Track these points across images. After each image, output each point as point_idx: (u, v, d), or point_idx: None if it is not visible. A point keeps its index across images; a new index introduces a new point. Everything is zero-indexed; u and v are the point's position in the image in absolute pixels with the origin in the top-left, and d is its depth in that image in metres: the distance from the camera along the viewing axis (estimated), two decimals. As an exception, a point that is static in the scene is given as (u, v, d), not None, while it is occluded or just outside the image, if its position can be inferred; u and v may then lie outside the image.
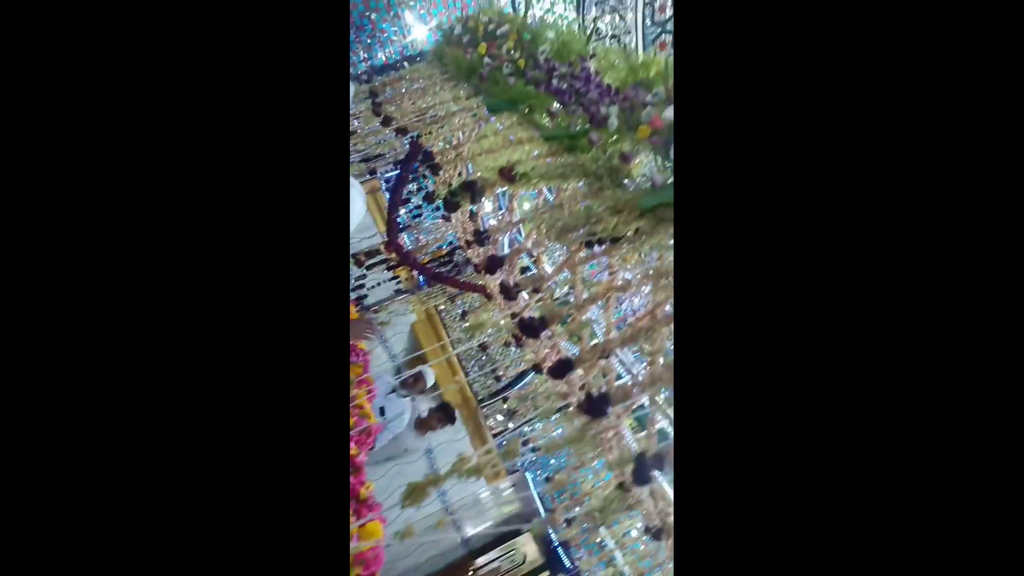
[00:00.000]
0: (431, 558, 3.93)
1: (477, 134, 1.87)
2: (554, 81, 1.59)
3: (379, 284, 3.47)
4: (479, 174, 1.61)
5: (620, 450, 0.80)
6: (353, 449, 1.78)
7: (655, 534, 0.92)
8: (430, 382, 3.51)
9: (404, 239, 3.18)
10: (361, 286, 3.42)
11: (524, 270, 2.51)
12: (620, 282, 1.03)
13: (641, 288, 0.94)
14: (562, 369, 0.83)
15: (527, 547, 4.26)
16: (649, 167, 1.29)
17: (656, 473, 0.74)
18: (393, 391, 3.32)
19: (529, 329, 0.91)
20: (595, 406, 0.74)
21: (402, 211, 3.15)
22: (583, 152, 1.49)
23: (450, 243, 3.25)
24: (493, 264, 1.46)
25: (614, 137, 1.45)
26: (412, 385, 3.43)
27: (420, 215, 3.48)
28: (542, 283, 1.19)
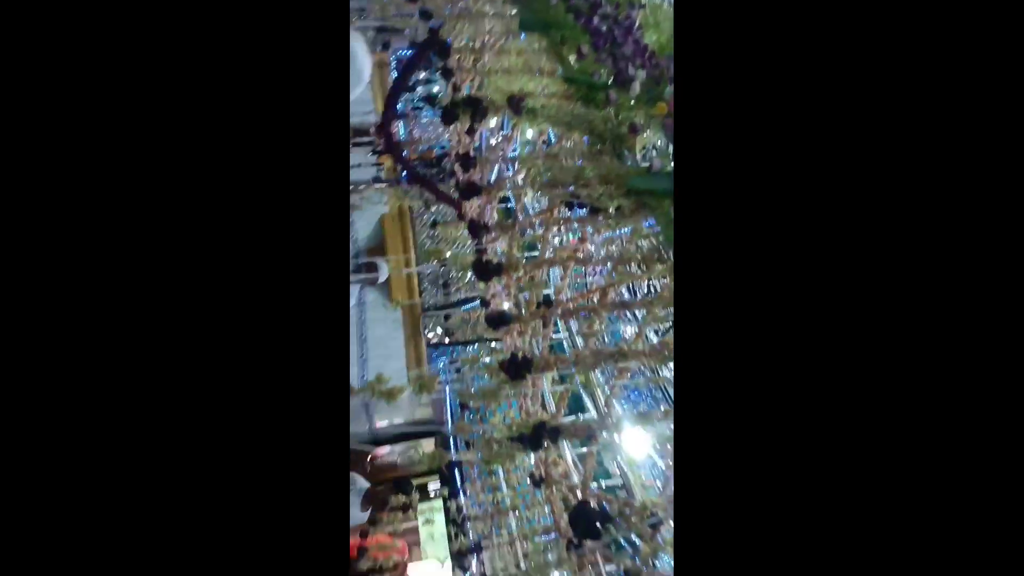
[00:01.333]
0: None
1: (501, 47, 1.76)
2: (595, 19, 1.49)
3: (359, 165, 3.34)
4: (488, 93, 1.53)
5: (527, 415, 0.83)
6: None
7: (536, 483, 0.99)
8: (383, 277, 3.51)
9: (398, 128, 3.04)
10: (340, 161, 3.30)
11: (503, 200, 2.46)
12: (582, 254, 1.03)
13: (601, 267, 0.95)
14: (498, 321, 0.84)
15: (427, 450, 4.53)
16: (653, 148, 1.26)
17: (552, 444, 0.79)
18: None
19: (483, 272, 0.91)
20: (516, 368, 0.76)
21: (403, 97, 2.98)
22: (596, 108, 1.43)
23: (443, 148, 3.13)
24: (470, 190, 1.42)
25: (632, 103, 1.39)
26: (365, 273, 3.42)
27: (421, 108, 3.30)
28: (512, 229, 1.18)
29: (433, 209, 3.92)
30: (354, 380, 4.00)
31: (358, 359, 4.04)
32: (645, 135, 1.32)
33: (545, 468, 1.04)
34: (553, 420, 0.74)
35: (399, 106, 2.88)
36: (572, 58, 1.57)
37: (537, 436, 0.74)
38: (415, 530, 3.95)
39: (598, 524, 0.67)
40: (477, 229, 1.29)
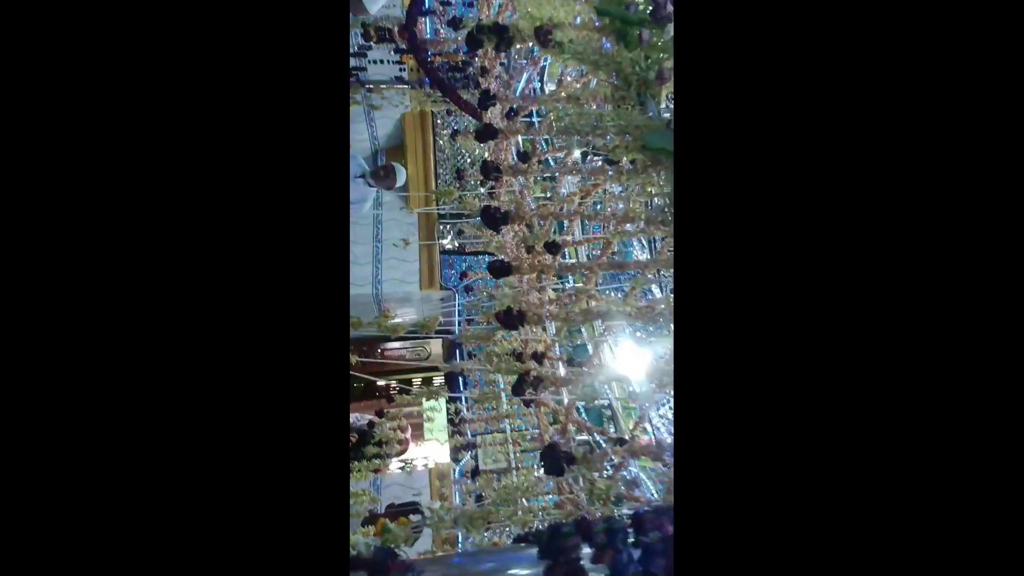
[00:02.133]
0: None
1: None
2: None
3: (382, 62, 3.22)
4: (517, 17, 1.47)
5: (519, 361, 0.92)
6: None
7: (533, 384, 1.10)
8: (399, 181, 3.52)
9: (424, 25, 2.89)
10: (364, 55, 3.18)
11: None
12: (586, 209, 1.06)
13: (604, 224, 0.99)
14: (500, 271, 0.91)
15: (434, 349, 4.82)
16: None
17: (537, 393, 0.88)
18: (363, 176, 3.33)
19: (491, 221, 0.96)
20: (508, 321, 0.84)
21: (432, -7, 2.79)
22: (627, 46, 1.38)
23: (458, 17, 2.95)
24: (484, 101, 1.42)
25: (663, 45, 1.35)
26: (382, 178, 3.43)
27: (449, 3, 3.10)
28: (527, 170, 1.19)
29: (455, 116, 3.82)
30: (368, 279, 4.16)
31: (373, 259, 4.17)
32: (671, 85, 1.29)
33: (534, 387, 1.15)
34: (541, 372, 0.83)
35: (426, 2, 2.71)
36: (610, -17, 1.48)
37: (521, 384, 0.83)
38: (419, 417, 4.34)
39: (564, 464, 0.79)
40: (488, 171, 1.31)
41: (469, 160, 4.12)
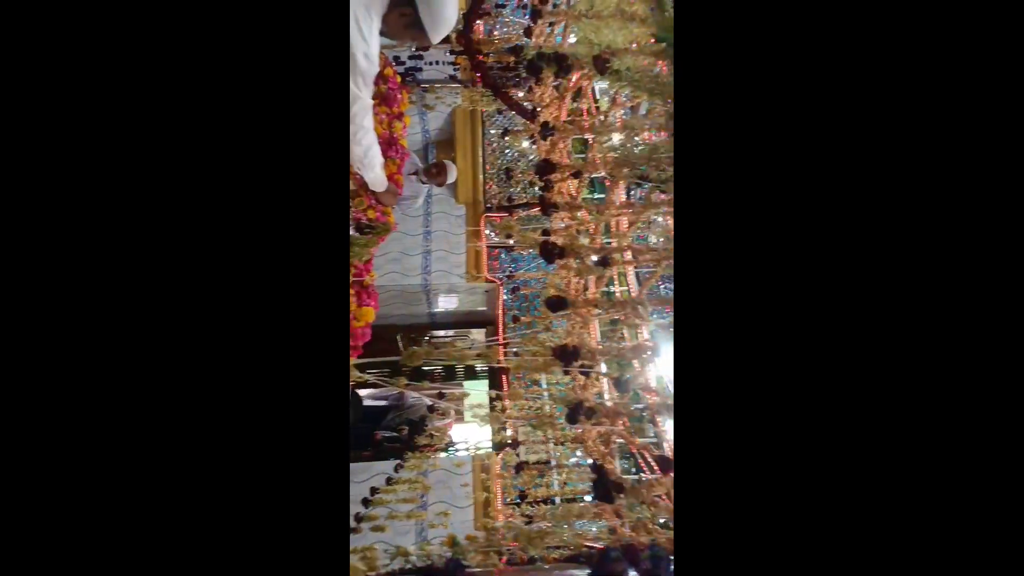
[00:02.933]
0: (401, 315, 4.56)
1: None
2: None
3: (438, 63, 3.29)
4: (575, 41, 1.50)
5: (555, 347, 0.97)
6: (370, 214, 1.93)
7: (587, 414, 1.17)
8: (451, 178, 3.61)
9: (480, 27, 2.93)
10: (420, 57, 3.26)
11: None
12: (630, 240, 1.11)
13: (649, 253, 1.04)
14: (557, 306, 0.98)
15: (478, 338, 4.95)
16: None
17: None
18: (415, 173, 3.43)
19: (548, 255, 1.03)
20: (555, 305, 0.91)
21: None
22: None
23: (519, 46, 3.00)
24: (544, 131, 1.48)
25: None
26: (434, 175, 3.53)
27: (504, 5, 3.13)
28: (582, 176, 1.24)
29: (506, 115, 3.86)
30: (417, 271, 4.32)
31: (422, 251, 4.32)
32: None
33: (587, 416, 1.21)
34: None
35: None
36: (668, 8, 1.50)
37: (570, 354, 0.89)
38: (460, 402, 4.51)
39: (613, 493, 0.85)
40: (544, 171, 1.37)
41: (517, 156, 4.17)
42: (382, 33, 1.43)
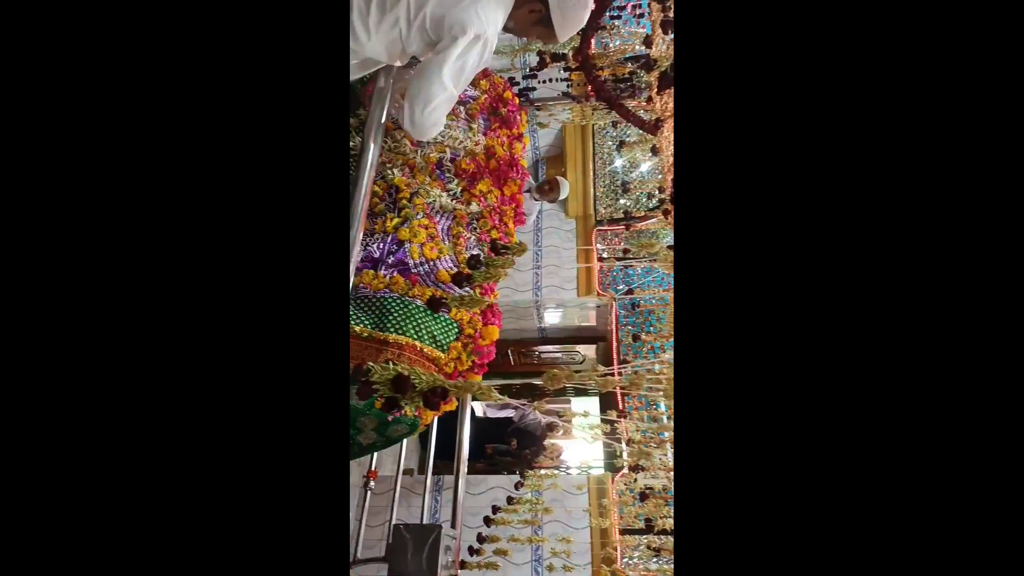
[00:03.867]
0: (511, 328, 4.64)
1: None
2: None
3: (550, 80, 3.33)
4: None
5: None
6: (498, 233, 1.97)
7: None
8: (563, 194, 3.62)
9: (592, 43, 2.91)
10: (534, 76, 3.31)
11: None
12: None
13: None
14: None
15: (589, 354, 4.88)
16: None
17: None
18: (528, 191, 3.48)
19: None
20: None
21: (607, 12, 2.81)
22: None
23: (632, 57, 2.93)
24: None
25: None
26: (546, 192, 3.56)
27: (619, 16, 3.08)
28: None
29: (621, 127, 3.80)
30: (528, 287, 4.37)
31: (532, 266, 4.36)
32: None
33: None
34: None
35: (605, 20, 2.74)
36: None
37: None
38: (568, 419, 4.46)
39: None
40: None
41: (630, 168, 4.07)
42: (507, 29, 1.40)
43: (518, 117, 2.39)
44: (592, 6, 1.40)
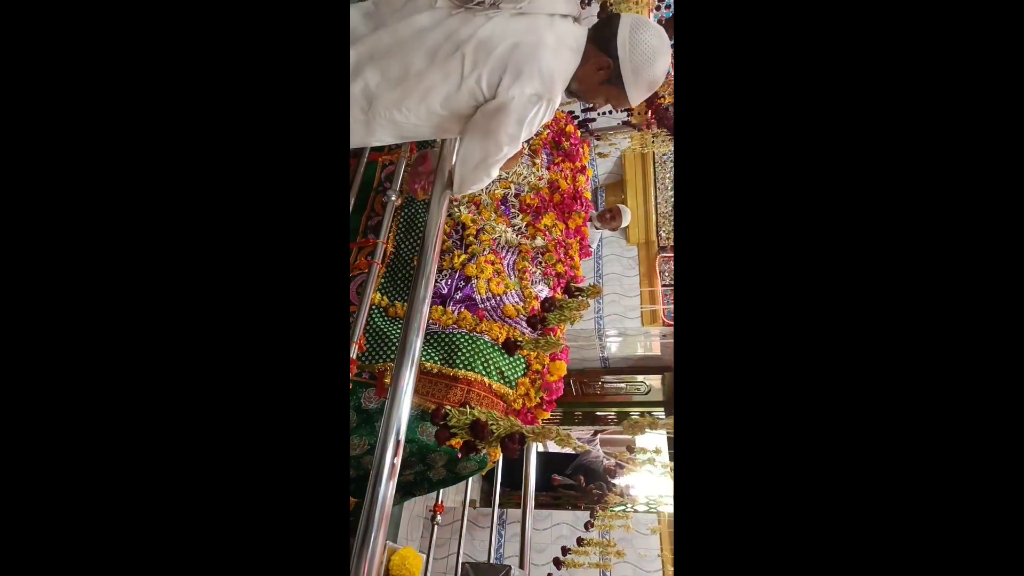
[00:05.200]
0: (573, 358, 4.58)
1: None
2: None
3: (609, 112, 3.33)
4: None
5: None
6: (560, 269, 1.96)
7: None
8: (625, 222, 3.57)
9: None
10: (592, 108, 3.33)
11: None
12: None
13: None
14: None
15: (654, 384, 4.71)
16: None
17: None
18: (590, 220, 3.47)
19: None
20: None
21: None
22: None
23: None
24: None
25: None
26: (608, 220, 3.53)
27: (679, 43, 3.07)
28: None
29: (682, 153, 3.73)
30: (591, 314, 4.31)
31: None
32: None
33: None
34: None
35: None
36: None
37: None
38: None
39: None
40: None
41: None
42: (570, 92, 1.23)
43: (581, 150, 2.40)
44: (669, 61, 1.19)
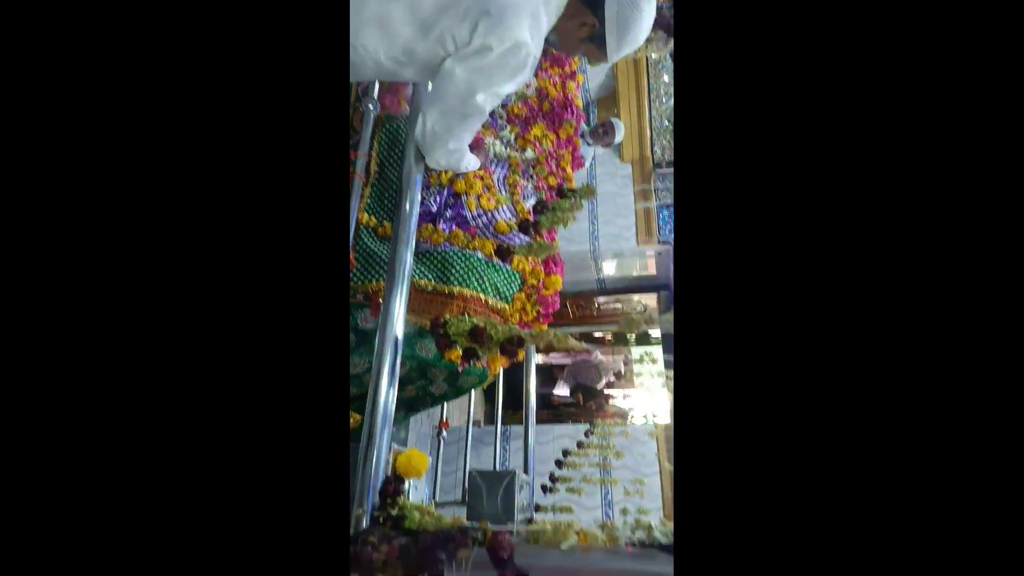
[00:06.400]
0: (568, 280, 4.60)
1: None
2: None
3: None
4: None
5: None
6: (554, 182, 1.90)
7: None
8: (619, 138, 3.45)
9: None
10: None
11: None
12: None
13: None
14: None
15: (649, 303, 4.77)
16: None
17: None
18: (582, 136, 3.35)
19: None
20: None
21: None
22: None
23: None
24: None
25: None
26: (601, 136, 3.41)
27: (673, -68, 2.81)
28: None
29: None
30: (585, 235, 4.27)
31: (589, 215, 4.24)
32: None
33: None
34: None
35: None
36: None
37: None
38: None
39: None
40: None
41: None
42: (548, 42, 1.15)
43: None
44: (651, 23, 1.13)
